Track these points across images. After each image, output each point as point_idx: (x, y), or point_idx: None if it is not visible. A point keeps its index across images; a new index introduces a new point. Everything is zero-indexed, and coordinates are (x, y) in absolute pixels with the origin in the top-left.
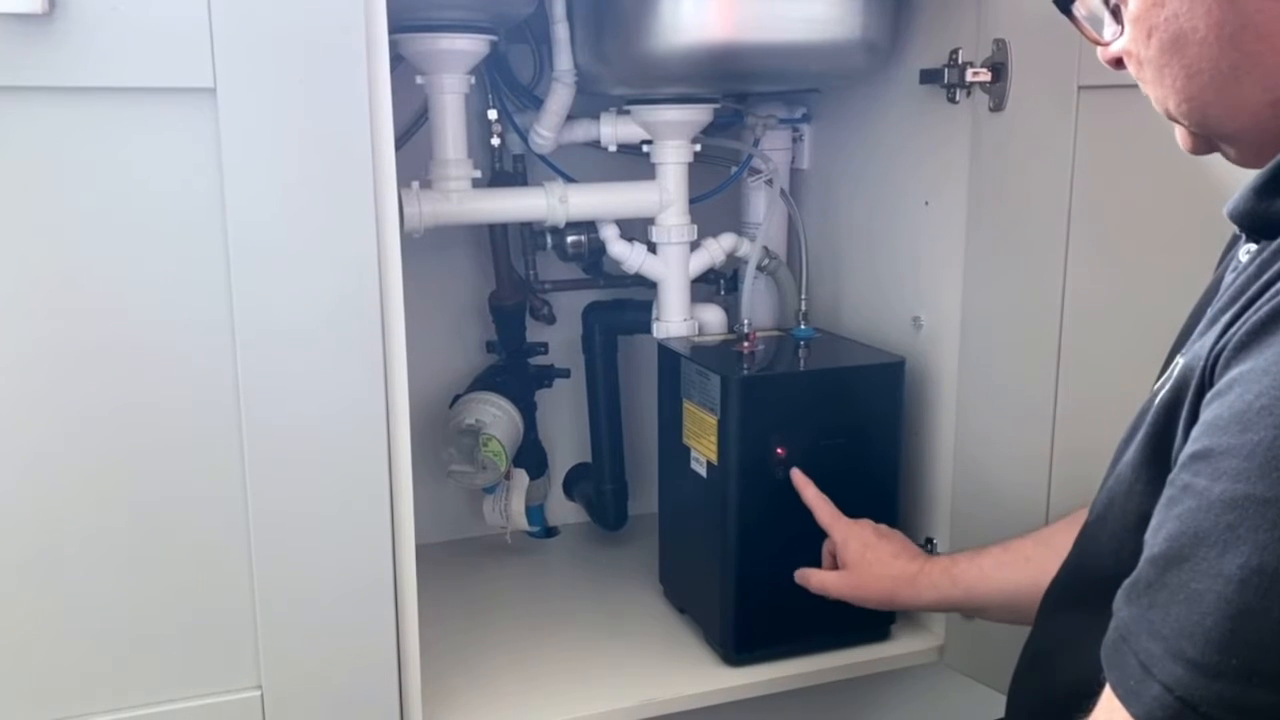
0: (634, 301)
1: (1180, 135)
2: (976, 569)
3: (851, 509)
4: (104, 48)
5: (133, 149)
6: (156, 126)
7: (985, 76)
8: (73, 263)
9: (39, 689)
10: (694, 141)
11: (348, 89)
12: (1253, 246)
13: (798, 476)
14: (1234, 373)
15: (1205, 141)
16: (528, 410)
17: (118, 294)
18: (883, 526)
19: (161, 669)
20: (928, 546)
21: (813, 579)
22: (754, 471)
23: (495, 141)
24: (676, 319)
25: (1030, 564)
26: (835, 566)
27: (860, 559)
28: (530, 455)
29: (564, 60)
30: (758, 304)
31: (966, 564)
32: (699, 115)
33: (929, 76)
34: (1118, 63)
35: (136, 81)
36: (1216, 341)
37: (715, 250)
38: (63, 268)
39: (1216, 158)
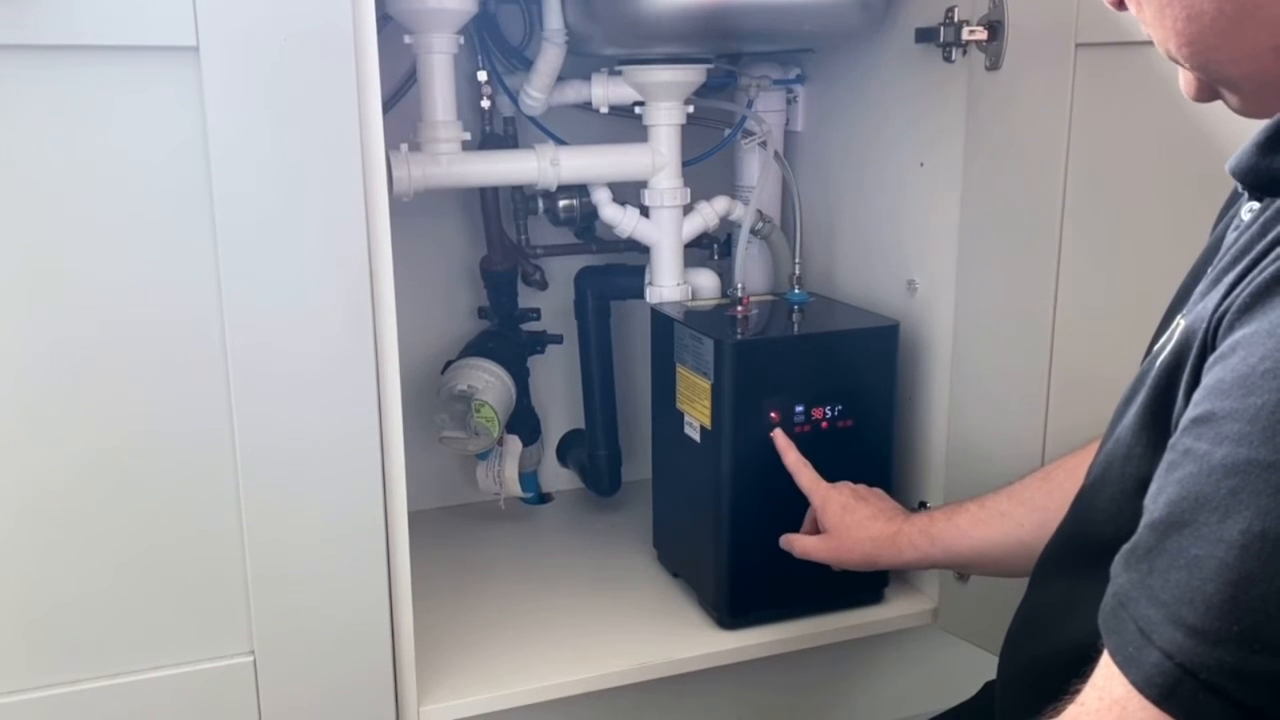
0: (626, 266)
1: (1183, 80)
2: (954, 527)
3: (845, 473)
4: (83, 4)
5: (113, 110)
6: (138, 86)
7: (981, 35)
8: (52, 224)
9: (28, 657)
10: (687, 103)
11: (333, 48)
12: (1255, 205)
13: (780, 440)
14: (1237, 335)
15: (1208, 88)
16: (520, 376)
17: (100, 255)
18: (861, 488)
19: (153, 635)
20: (921, 510)
21: (796, 545)
22: (748, 436)
23: (485, 103)
24: (669, 283)
25: (1005, 519)
26: (817, 531)
27: (839, 522)
28: (523, 421)
29: (554, 19)
30: (751, 268)
31: (944, 523)
32: (691, 76)
33: (924, 35)
34: (1120, 3)
35: (117, 39)
36: (1219, 303)
37: (708, 214)
38: (42, 230)
39: (1215, 116)
